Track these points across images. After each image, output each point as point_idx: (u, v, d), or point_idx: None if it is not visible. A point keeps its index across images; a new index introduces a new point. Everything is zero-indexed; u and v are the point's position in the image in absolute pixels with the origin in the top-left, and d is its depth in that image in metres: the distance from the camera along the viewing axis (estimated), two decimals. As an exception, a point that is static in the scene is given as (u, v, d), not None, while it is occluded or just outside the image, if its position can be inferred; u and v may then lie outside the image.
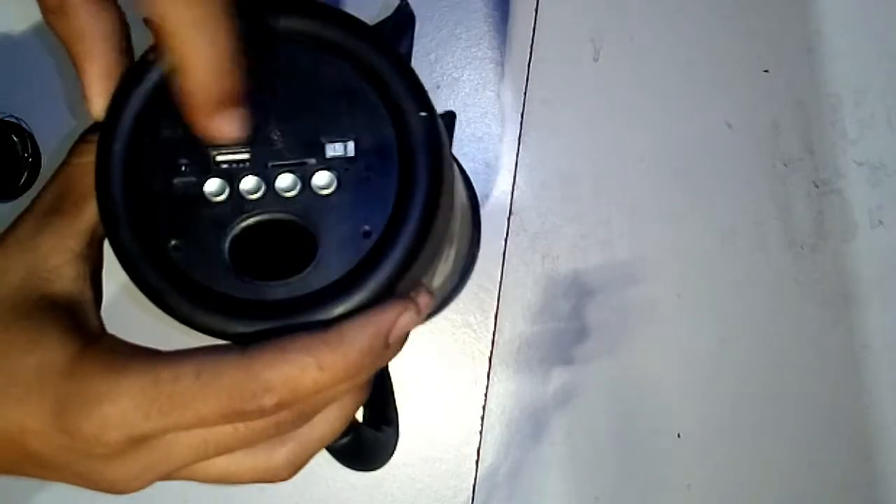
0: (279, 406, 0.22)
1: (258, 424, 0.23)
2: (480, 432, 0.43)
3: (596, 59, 0.44)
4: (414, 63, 0.45)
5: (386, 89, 0.23)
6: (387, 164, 0.23)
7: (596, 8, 0.45)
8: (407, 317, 0.23)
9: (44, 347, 0.22)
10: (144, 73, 0.24)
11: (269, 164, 0.24)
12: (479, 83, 0.44)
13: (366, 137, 0.23)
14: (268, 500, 0.43)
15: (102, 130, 0.24)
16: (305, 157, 0.24)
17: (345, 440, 0.27)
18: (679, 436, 0.43)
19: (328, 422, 0.25)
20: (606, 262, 0.43)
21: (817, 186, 0.44)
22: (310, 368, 0.21)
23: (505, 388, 0.43)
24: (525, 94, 0.44)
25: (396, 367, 0.43)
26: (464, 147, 0.44)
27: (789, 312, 0.43)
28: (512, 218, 0.44)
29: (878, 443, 0.43)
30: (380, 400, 0.31)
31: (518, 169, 0.44)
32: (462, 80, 0.44)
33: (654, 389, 0.43)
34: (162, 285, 0.23)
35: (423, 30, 0.44)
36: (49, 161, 0.44)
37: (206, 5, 0.21)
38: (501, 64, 0.44)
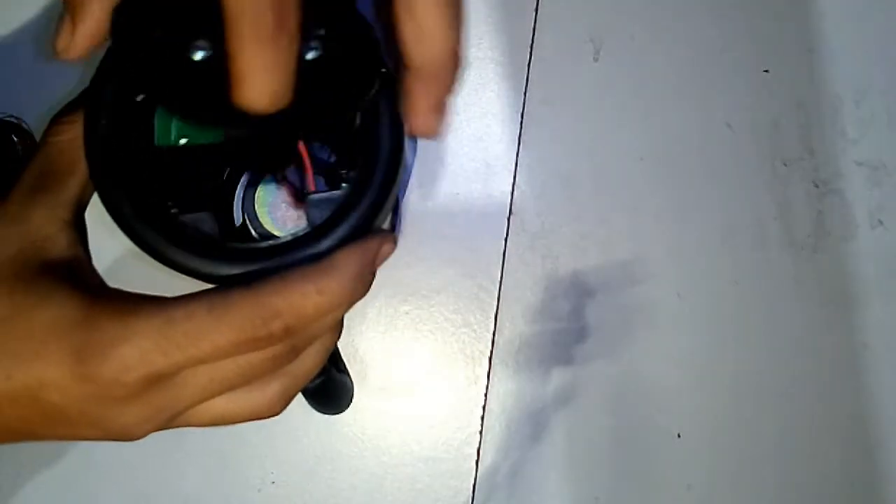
0: (286, 331, 0.23)
1: (259, 357, 0.24)
2: (480, 432, 0.43)
3: (596, 59, 0.44)
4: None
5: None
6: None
7: (596, 8, 0.44)
8: (388, 246, 0.26)
9: (54, 304, 0.23)
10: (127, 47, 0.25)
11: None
12: (479, 83, 0.44)
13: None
14: (267, 500, 0.43)
15: (87, 106, 0.25)
16: None
17: (318, 381, 0.29)
18: (679, 436, 0.43)
19: (312, 356, 0.27)
20: (606, 262, 0.43)
21: (817, 186, 0.44)
22: (311, 294, 0.24)
23: (505, 388, 0.43)
24: (525, 94, 0.44)
25: (397, 367, 0.43)
26: (464, 147, 0.44)
27: (789, 312, 0.43)
28: (512, 218, 0.44)
29: (878, 442, 0.43)
30: (334, 359, 0.34)
31: (518, 169, 0.44)
32: (462, 80, 0.44)
33: (653, 390, 0.43)
34: (163, 243, 0.25)
35: (423, 30, 0.44)
36: (49, 161, 0.44)
37: None
38: (501, 64, 0.44)
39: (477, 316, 0.43)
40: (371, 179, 0.25)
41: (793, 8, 0.44)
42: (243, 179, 0.32)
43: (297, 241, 0.25)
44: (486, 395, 0.43)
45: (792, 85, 0.44)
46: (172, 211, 0.26)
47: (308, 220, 0.27)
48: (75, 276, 0.25)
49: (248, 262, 0.25)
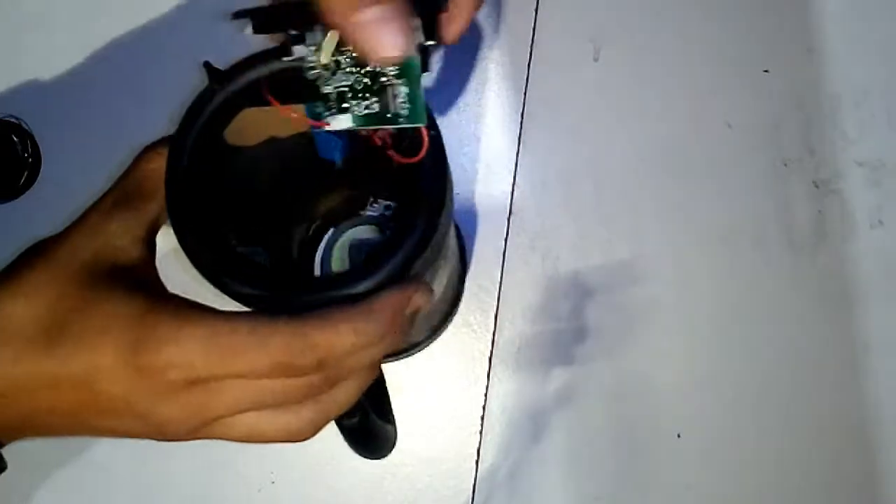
0: (320, 364, 0.26)
1: (295, 383, 0.26)
2: (480, 432, 0.43)
3: (596, 59, 0.44)
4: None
5: None
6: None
7: (596, 8, 0.45)
8: (420, 296, 0.28)
9: (117, 301, 0.26)
10: (208, 99, 0.29)
11: None
12: (479, 83, 0.44)
13: None
14: (267, 500, 0.43)
15: (171, 148, 0.29)
16: None
17: (355, 419, 0.32)
18: (679, 436, 0.43)
19: (346, 390, 0.29)
20: (606, 262, 0.43)
21: (817, 186, 0.44)
22: (347, 332, 0.26)
23: (505, 388, 0.43)
24: (525, 94, 0.44)
25: (398, 367, 0.43)
26: (464, 147, 0.44)
27: (789, 312, 0.43)
28: (512, 218, 0.44)
29: (877, 443, 0.43)
30: (379, 405, 0.36)
31: (518, 169, 0.44)
32: (462, 80, 0.44)
33: (654, 390, 0.43)
34: (227, 278, 0.28)
35: (423, 30, 0.44)
36: (49, 161, 0.44)
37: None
38: (501, 64, 0.44)
39: (477, 316, 0.43)
40: (411, 232, 0.28)
41: (793, 8, 0.44)
42: (326, 237, 0.37)
43: (337, 280, 0.27)
44: (486, 395, 0.43)
45: (792, 85, 0.44)
46: (232, 242, 0.29)
47: (350, 261, 0.29)
48: (141, 282, 0.28)
49: (290, 293, 0.28)
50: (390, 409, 0.36)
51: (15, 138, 0.43)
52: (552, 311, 0.43)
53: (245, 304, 0.28)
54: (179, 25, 0.45)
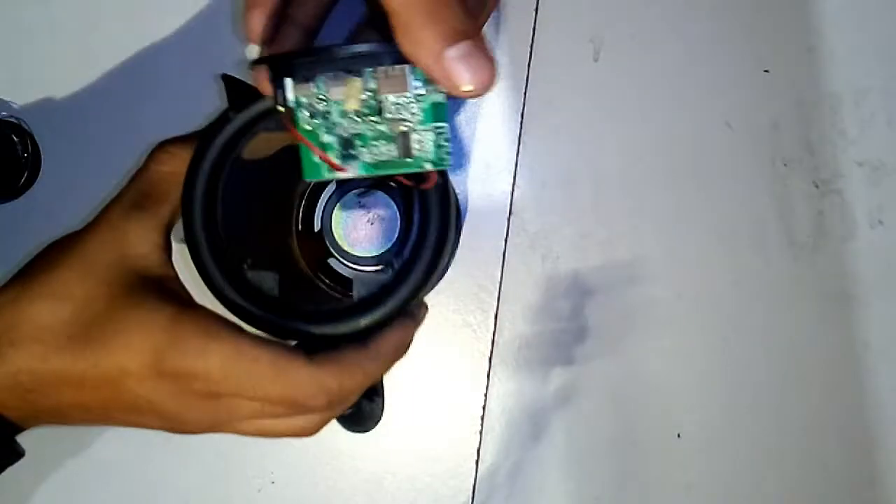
0: (329, 404, 0.28)
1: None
2: (480, 432, 0.43)
3: (596, 59, 0.44)
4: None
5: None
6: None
7: (596, 8, 0.44)
8: (417, 329, 0.32)
9: (145, 308, 0.27)
10: (225, 122, 0.30)
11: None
12: (479, 83, 0.44)
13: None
14: (267, 500, 0.43)
15: (192, 161, 0.30)
16: None
17: (350, 410, 0.34)
18: (679, 436, 0.43)
19: (350, 399, 0.31)
20: (606, 262, 0.43)
21: (817, 186, 0.44)
22: (357, 374, 0.29)
23: (505, 388, 0.43)
24: (525, 94, 0.44)
25: (397, 367, 0.43)
26: (464, 147, 0.44)
27: (789, 312, 0.43)
28: (512, 218, 0.44)
29: (878, 442, 0.43)
30: (371, 391, 0.37)
31: (518, 169, 0.44)
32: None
33: (654, 389, 0.43)
34: (239, 300, 0.29)
35: (423, 30, 0.44)
36: (49, 161, 0.44)
37: None
38: (501, 64, 0.44)
39: (477, 316, 0.43)
40: (411, 273, 0.29)
41: (793, 7, 0.44)
42: (327, 193, 0.37)
43: (342, 312, 0.29)
44: (486, 395, 0.43)
45: (792, 85, 0.44)
46: (244, 265, 0.30)
47: (355, 295, 0.31)
48: (166, 290, 0.29)
49: (297, 321, 0.29)
50: (382, 388, 0.38)
51: (15, 138, 0.43)
52: (552, 311, 0.43)
53: (252, 326, 0.29)
54: (179, 26, 0.45)
